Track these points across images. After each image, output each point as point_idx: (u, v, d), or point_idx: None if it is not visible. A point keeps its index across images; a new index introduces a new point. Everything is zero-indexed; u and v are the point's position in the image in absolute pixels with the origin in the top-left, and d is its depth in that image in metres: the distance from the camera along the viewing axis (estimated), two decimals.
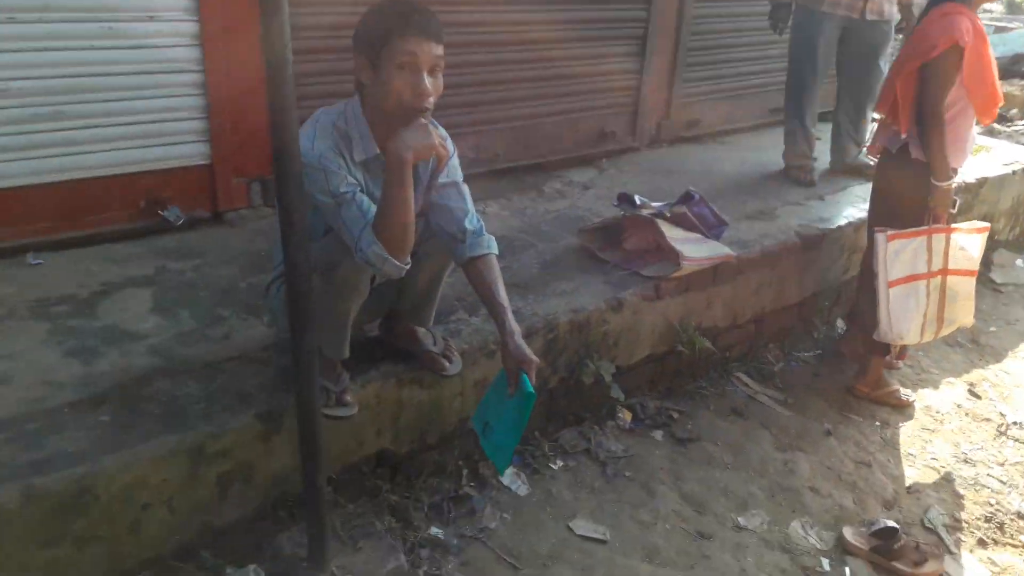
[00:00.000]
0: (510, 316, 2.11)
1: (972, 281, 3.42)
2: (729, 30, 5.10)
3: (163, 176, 3.19)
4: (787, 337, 3.91)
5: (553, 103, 4.33)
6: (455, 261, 2.23)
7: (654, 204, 3.40)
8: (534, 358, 2.05)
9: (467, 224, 2.17)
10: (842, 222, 3.97)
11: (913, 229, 3.25)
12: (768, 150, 5.03)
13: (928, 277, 3.30)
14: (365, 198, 2.01)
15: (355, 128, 2.05)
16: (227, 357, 2.48)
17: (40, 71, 2.79)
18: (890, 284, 3.25)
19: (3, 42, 2.70)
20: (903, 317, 3.28)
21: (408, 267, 2.01)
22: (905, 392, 3.63)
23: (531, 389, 2.01)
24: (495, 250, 2.21)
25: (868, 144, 4.16)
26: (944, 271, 3.33)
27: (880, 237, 3.24)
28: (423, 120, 1.92)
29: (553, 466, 2.89)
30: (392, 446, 2.57)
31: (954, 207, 3.30)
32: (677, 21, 4.74)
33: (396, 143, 1.89)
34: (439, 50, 1.95)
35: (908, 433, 3.47)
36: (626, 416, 3.18)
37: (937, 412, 3.63)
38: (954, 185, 3.25)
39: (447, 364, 2.47)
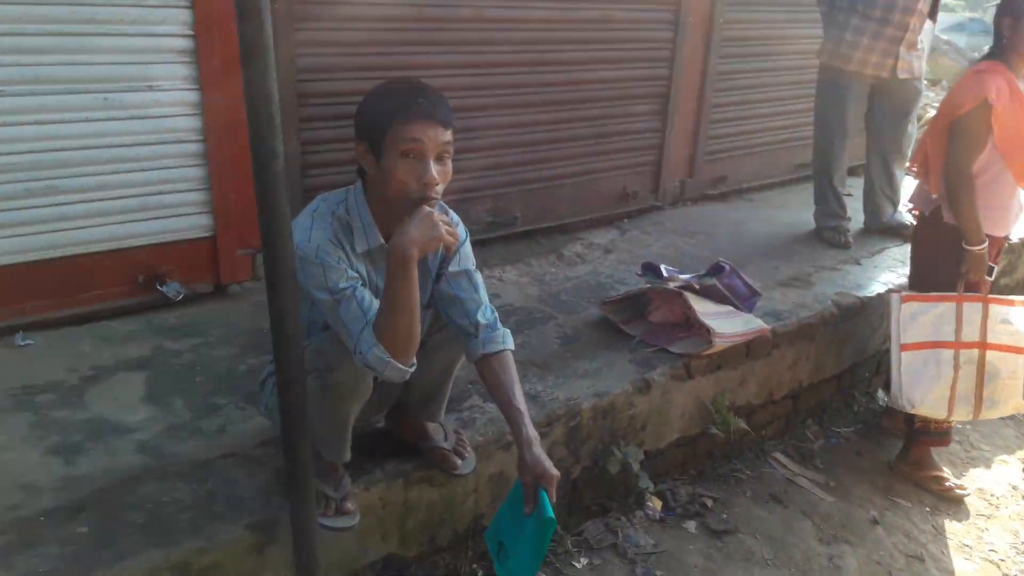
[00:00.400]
0: (527, 422, 1.90)
1: (1021, 360, 3.16)
2: (754, 85, 4.94)
3: (162, 250, 3.03)
4: (826, 412, 3.66)
5: (573, 164, 4.17)
6: (467, 357, 2.03)
7: (682, 276, 3.19)
8: (554, 472, 1.82)
9: (480, 317, 1.97)
10: (880, 288, 3.74)
11: (936, 294, 3.09)
12: (797, 208, 4.84)
13: (957, 347, 3.10)
14: (367, 294, 1.82)
15: (357, 216, 1.87)
16: (220, 454, 2.27)
17: (32, 144, 2.65)
18: (903, 347, 3.13)
19: None
20: (916, 384, 3.12)
21: (413, 369, 1.81)
22: (952, 482, 3.33)
23: (551, 513, 1.78)
24: (511, 345, 2.01)
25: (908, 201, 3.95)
26: (982, 344, 3.11)
27: (895, 298, 3.14)
28: (428, 208, 1.73)
29: (577, 564, 2.64)
30: (399, 550, 2.34)
31: (990, 274, 3.08)
32: (701, 78, 4.59)
33: (399, 238, 1.70)
34: (447, 135, 1.78)
35: (962, 520, 3.19)
36: (656, 505, 2.93)
37: (992, 495, 3.35)
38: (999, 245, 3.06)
39: (458, 462, 2.25)
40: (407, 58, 3.40)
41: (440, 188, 1.80)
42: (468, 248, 2.05)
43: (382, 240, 1.88)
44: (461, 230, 2.02)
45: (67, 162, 2.73)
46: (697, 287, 3.13)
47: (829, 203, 4.32)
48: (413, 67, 3.37)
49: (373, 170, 1.81)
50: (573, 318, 3.24)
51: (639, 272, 3.29)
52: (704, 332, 2.95)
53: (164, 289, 3.03)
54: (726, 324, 3.01)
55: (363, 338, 1.75)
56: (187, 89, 2.90)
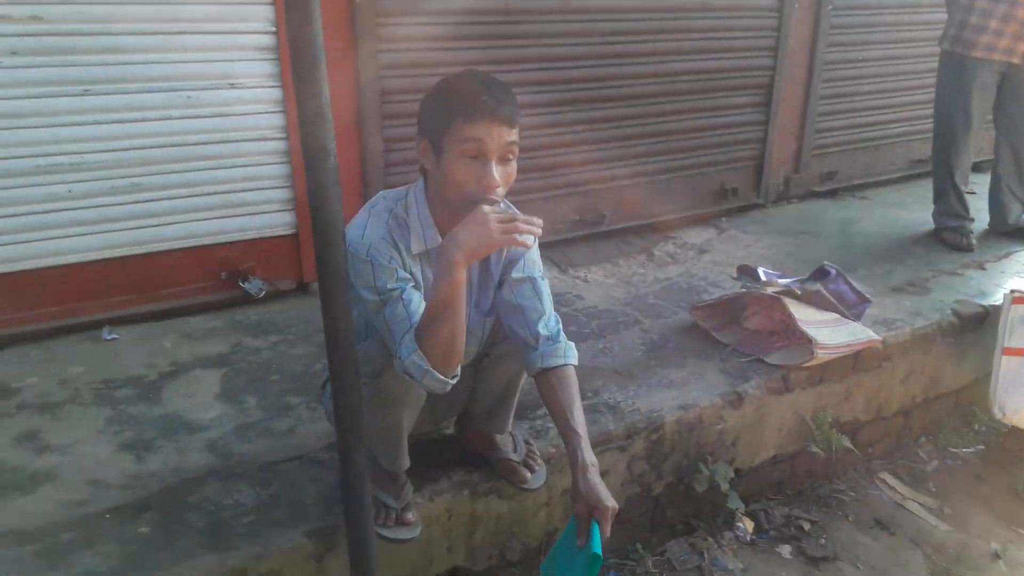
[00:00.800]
0: (585, 446, 1.74)
1: None
2: (865, 75, 4.60)
3: (245, 247, 3.03)
4: (942, 431, 3.32)
5: (666, 159, 3.97)
6: (526, 370, 1.89)
7: (782, 280, 2.95)
8: (610, 502, 1.66)
9: (541, 328, 1.84)
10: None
11: None
12: (913, 207, 4.48)
13: None
14: (416, 296, 1.71)
15: (416, 216, 1.77)
16: (287, 456, 2.22)
17: (116, 143, 2.69)
18: (1006, 351, 2.93)
19: (79, 115, 2.61)
20: (1013, 391, 2.94)
21: (454, 381, 1.69)
22: None
23: (598, 549, 1.61)
24: (573, 360, 1.86)
25: None
26: None
27: (1006, 297, 2.93)
28: (486, 208, 1.59)
29: None
30: (467, 563, 2.23)
31: None
32: (807, 68, 4.29)
33: (447, 240, 1.59)
34: (511, 135, 1.65)
35: None
36: (747, 526, 2.71)
37: None
38: None
39: (528, 475, 2.11)
40: (491, 52, 3.29)
41: (502, 191, 1.68)
42: (536, 255, 1.92)
43: (440, 242, 1.77)
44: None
45: (150, 160, 2.75)
46: (799, 293, 2.89)
47: (950, 201, 3.95)
48: (497, 61, 3.26)
49: (434, 169, 1.70)
50: (660, 323, 3.05)
51: (735, 275, 3.07)
52: (805, 342, 2.71)
53: (246, 286, 3.03)
54: (830, 334, 2.76)
55: (404, 343, 1.64)
56: (269, 86, 2.89)
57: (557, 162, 3.61)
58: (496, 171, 1.64)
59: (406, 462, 1.97)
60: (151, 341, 2.80)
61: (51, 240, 2.69)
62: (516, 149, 1.68)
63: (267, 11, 2.80)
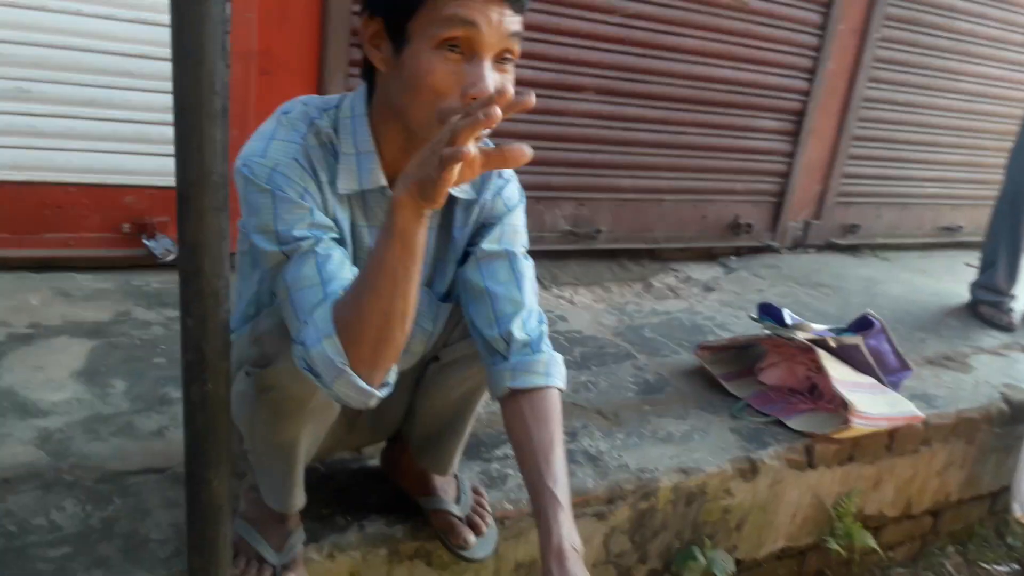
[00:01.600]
0: (565, 518, 1.13)
1: None
2: (905, 122, 4.12)
3: (159, 196, 2.42)
4: (972, 540, 2.77)
5: (677, 177, 3.43)
6: (488, 388, 1.28)
7: (815, 326, 2.39)
8: None
9: (515, 328, 1.24)
10: None
11: None
12: (942, 276, 4.01)
13: None
14: (337, 252, 1.10)
15: (350, 137, 1.15)
16: (142, 467, 1.61)
17: (2, 32, 2.07)
18: None
19: None
20: None
21: (383, 395, 1.08)
22: None
23: None
24: (559, 381, 1.27)
25: None
26: None
27: None
28: (455, 120, 0.99)
29: None
30: None
31: None
32: (845, 100, 3.81)
33: (402, 178, 0.97)
34: (516, 23, 1.06)
35: None
36: None
37: None
38: None
39: (471, 538, 1.49)
40: None
41: (498, 111, 1.07)
42: (520, 220, 1.33)
43: (384, 181, 1.17)
44: (513, 190, 1.32)
45: (46, 61, 2.13)
46: (833, 344, 2.33)
47: (997, 274, 3.44)
48: None
49: (389, 67, 1.09)
50: (657, 361, 2.48)
51: (754, 315, 2.51)
52: (838, 406, 2.15)
53: (151, 244, 2.41)
54: (869, 401, 2.21)
55: (312, 321, 1.03)
56: None
57: (551, 157, 3.05)
58: (490, 74, 1.05)
59: (299, 500, 1.35)
60: (15, 294, 2.18)
61: None
62: (518, 48, 1.09)
63: None
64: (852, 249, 4.21)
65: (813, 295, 3.38)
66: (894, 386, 2.43)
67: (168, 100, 2.25)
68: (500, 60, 1.07)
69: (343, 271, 1.09)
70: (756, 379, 2.40)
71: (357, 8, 1.84)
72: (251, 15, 2.34)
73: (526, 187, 3.07)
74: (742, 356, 2.48)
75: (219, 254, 0.98)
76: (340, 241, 1.15)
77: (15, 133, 2.17)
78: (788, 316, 2.49)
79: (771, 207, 3.80)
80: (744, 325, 2.84)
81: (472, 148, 0.89)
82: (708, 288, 3.28)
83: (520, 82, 2.94)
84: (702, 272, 3.49)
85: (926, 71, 4.05)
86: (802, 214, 3.95)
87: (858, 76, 3.77)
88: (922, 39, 3.95)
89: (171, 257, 2.42)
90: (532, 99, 0.94)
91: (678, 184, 3.44)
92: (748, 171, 3.63)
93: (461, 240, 1.31)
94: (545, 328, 1.30)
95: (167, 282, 2.42)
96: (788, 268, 3.73)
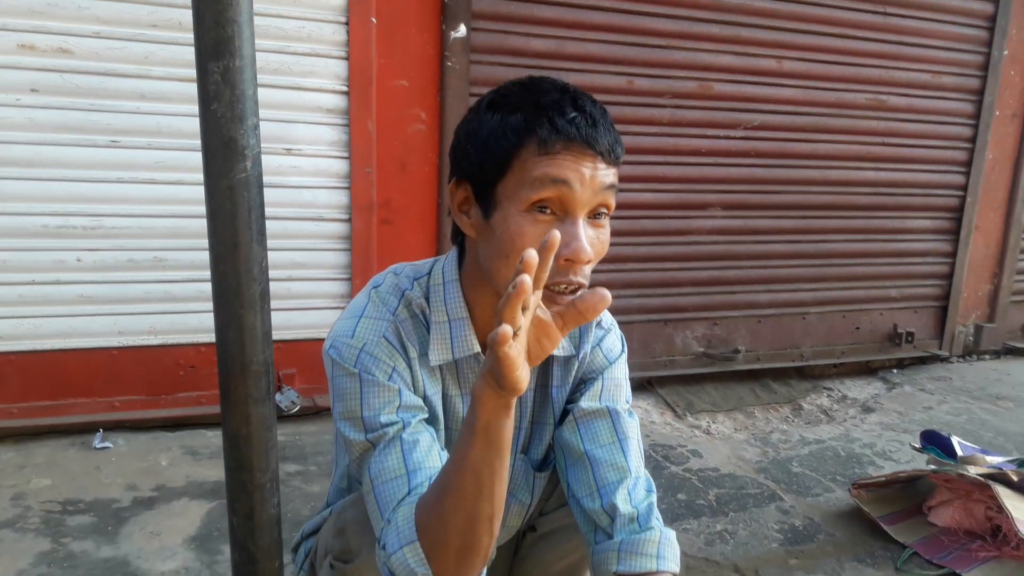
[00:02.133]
0: None
1: None
2: None
3: (285, 349, 2.49)
4: None
5: (822, 288, 3.20)
6: (592, 571, 1.15)
7: (990, 457, 2.09)
8: None
9: (619, 499, 1.11)
10: None
11: None
12: None
13: None
14: (426, 437, 1.03)
15: (441, 305, 1.10)
16: None
17: (142, 207, 2.27)
18: None
19: (101, 169, 2.23)
20: None
21: None
22: None
23: None
24: (673, 565, 1.11)
25: None
26: None
27: None
28: (561, 302, 0.92)
29: None
30: None
31: None
32: (1010, 190, 3.48)
33: (482, 367, 0.88)
34: (611, 176, 0.99)
35: None
36: None
37: None
38: None
39: None
40: None
41: (589, 270, 0.99)
42: (620, 372, 1.21)
43: (477, 347, 1.10)
44: (615, 339, 1.21)
45: (179, 231, 2.29)
46: (1015, 478, 2.01)
47: None
48: None
49: (479, 232, 1.04)
50: (807, 502, 2.22)
51: (917, 444, 2.23)
52: None
53: (277, 397, 2.46)
54: None
55: (396, 520, 0.96)
56: (333, 156, 2.42)
57: (680, 277, 2.93)
58: (585, 234, 0.97)
59: None
60: (147, 455, 2.26)
61: (51, 318, 2.25)
62: (613, 201, 1.01)
63: (339, 67, 2.36)
64: None
65: (992, 410, 2.98)
66: None
67: (291, 257, 2.35)
68: (595, 217, 0.99)
69: (430, 459, 1.01)
70: (925, 520, 2.10)
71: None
72: (370, 169, 2.43)
73: (652, 310, 3.00)
74: (907, 492, 2.19)
75: (264, 447, 0.95)
76: (431, 420, 1.09)
77: (153, 300, 2.32)
78: (957, 444, 2.19)
79: (935, 312, 3.45)
80: (909, 453, 2.53)
81: (510, 327, 0.79)
82: (866, 408, 2.98)
83: (640, 205, 2.88)
84: (859, 389, 3.18)
85: None
86: (972, 317, 3.56)
87: (1023, 163, 3.43)
88: None
89: (296, 409, 2.47)
90: (607, 298, 0.85)
91: (823, 295, 3.20)
92: (904, 275, 3.33)
93: (559, 399, 1.21)
94: (654, 498, 1.16)
95: (291, 434, 2.45)
96: (960, 379, 3.34)
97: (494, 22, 2.51)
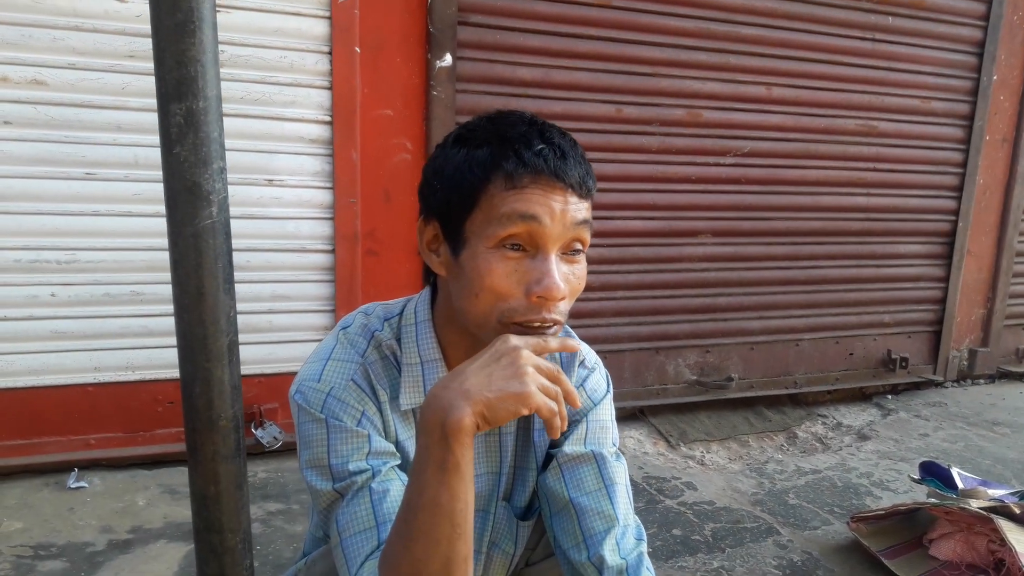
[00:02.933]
0: None
1: None
2: None
3: (266, 384, 2.44)
4: None
5: (815, 314, 3.16)
6: None
7: (992, 490, 2.04)
8: None
9: (606, 550, 1.05)
10: None
11: None
12: None
13: None
14: (395, 485, 0.98)
15: (413, 346, 1.05)
16: None
17: (118, 241, 2.22)
18: None
19: (76, 202, 2.18)
20: None
21: None
22: None
23: None
24: None
25: None
26: None
27: None
28: (515, 340, 0.89)
29: None
30: None
31: None
32: (1001, 214, 3.46)
33: (439, 390, 0.86)
34: (583, 210, 0.94)
35: None
36: None
37: None
38: None
39: None
40: (599, 167, 2.67)
41: (565, 307, 0.95)
42: (606, 414, 1.16)
43: None
44: (599, 380, 1.16)
45: (157, 264, 2.24)
46: (1017, 511, 1.96)
47: None
48: (606, 178, 2.65)
49: (447, 270, 0.99)
50: (804, 536, 2.17)
51: (916, 476, 2.18)
52: None
53: (258, 433, 2.40)
54: None
55: (364, 572, 0.91)
56: (316, 186, 2.37)
57: (671, 305, 2.89)
58: (558, 271, 0.92)
59: None
60: (124, 495, 2.19)
61: (24, 355, 2.19)
62: (588, 236, 0.96)
63: (322, 96, 2.32)
64: None
65: (989, 436, 2.94)
66: None
67: (272, 289, 2.30)
68: (568, 253, 0.95)
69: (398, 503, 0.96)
70: (926, 553, 2.05)
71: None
72: (355, 200, 2.39)
73: (644, 338, 2.95)
74: (907, 525, 2.14)
75: (235, 507, 0.89)
76: (403, 467, 1.04)
77: (130, 335, 2.26)
78: (957, 476, 2.15)
79: (929, 337, 3.42)
80: (907, 483, 2.48)
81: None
82: (862, 436, 2.93)
83: (630, 232, 2.85)
84: (854, 416, 3.14)
85: None
86: (966, 342, 3.53)
87: (1014, 187, 3.42)
88: None
89: (278, 445, 2.40)
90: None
91: (816, 321, 3.16)
92: (897, 300, 3.30)
93: (542, 443, 1.15)
94: (644, 547, 1.10)
95: (273, 471, 2.38)
96: (955, 405, 3.29)
97: (480, 51, 2.49)
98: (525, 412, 0.86)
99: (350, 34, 2.30)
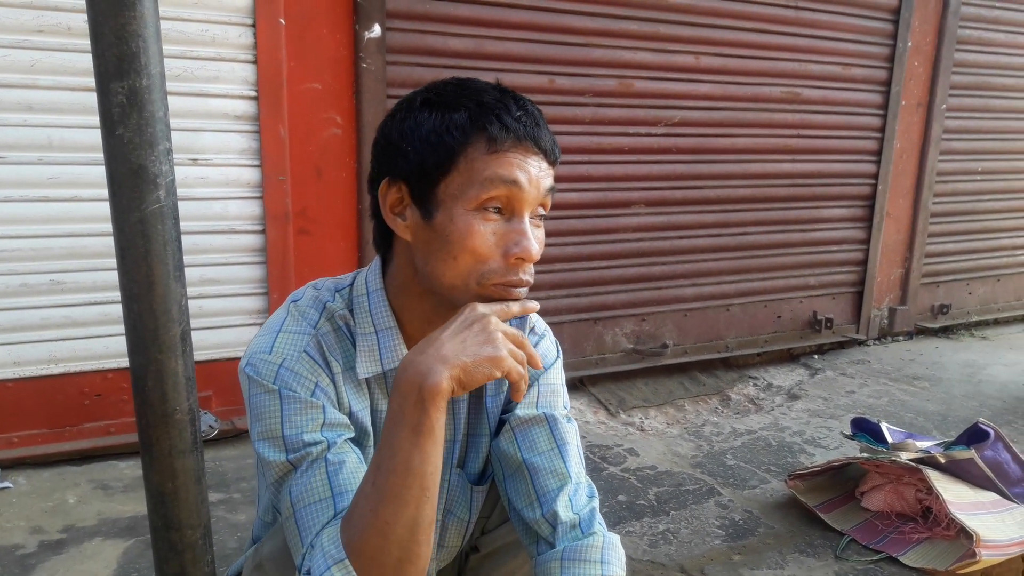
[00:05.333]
0: None
1: None
2: (986, 191, 3.86)
3: (199, 371, 2.34)
4: None
5: (745, 279, 3.24)
6: None
7: (919, 442, 2.14)
8: None
9: (560, 507, 1.07)
10: None
11: None
12: None
13: None
14: (352, 458, 0.97)
15: (367, 316, 1.04)
16: None
17: (36, 227, 2.11)
18: None
19: None
20: None
21: None
22: None
23: None
24: (619, 570, 1.08)
25: None
26: None
27: None
28: (487, 307, 0.92)
29: None
30: None
31: None
32: (917, 177, 3.60)
33: (416, 356, 0.88)
34: (551, 176, 0.98)
35: None
36: None
37: None
38: None
39: None
40: None
41: (532, 269, 0.98)
42: (558, 378, 1.17)
43: None
44: (549, 345, 1.18)
45: (78, 251, 2.13)
46: (943, 461, 2.06)
47: None
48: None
49: (415, 234, 0.98)
50: (744, 495, 2.24)
51: (848, 432, 2.27)
52: (957, 534, 1.88)
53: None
54: (995, 524, 1.92)
55: (320, 543, 0.89)
56: (244, 164, 2.29)
57: (608, 276, 2.91)
58: (532, 232, 0.96)
59: None
60: (53, 493, 2.10)
61: None
62: (550, 202, 1.00)
63: (247, 71, 2.24)
64: (945, 331, 3.89)
65: (910, 391, 3.08)
66: (1021, 497, 2.12)
67: (201, 273, 2.22)
68: (535, 218, 0.98)
69: (357, 480, 0.95)
70: (859, 505, 2.14)
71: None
72: (284, 177, 2.32)
73: (582, 309, 2.97)
74: (840, 479, 2.23)
75: (194, 501, 0.87)
76: (357, 438, 1.02)
77: (51, 326, 2.16)
78: (887, 430, 2.24)
79: (852, 298, 3.55)
80: (838, 439, 2.58)
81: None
82: (792, 396, 3.03)
83: (565, 205, 2.85)
84: (783, 377, 3.24)
85: (1002, 135, 3.80)
86: (886, 301, 3.68)
87: (928, 151, 3.55)
88: (993, 103, 3.73)
89: (214, 434, 2.34)
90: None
91: (746, 286, 3.24)
92: (821, 263, 3.41)
93: (494, 409, 1.15)
94: (596, 503, 1.12)
95: (210, 460, 2.31)
96: (878, 362, 3.44)
97: (410, 21, 2.43)
98: (498, 375, 0.89)
99: (274, 5, 2.22)
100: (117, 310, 2.15)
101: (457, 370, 0.86)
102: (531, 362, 0.92)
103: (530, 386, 1.14)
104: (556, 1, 2.62)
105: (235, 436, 2.42)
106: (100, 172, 2.08)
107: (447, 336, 0.89)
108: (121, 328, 2.11)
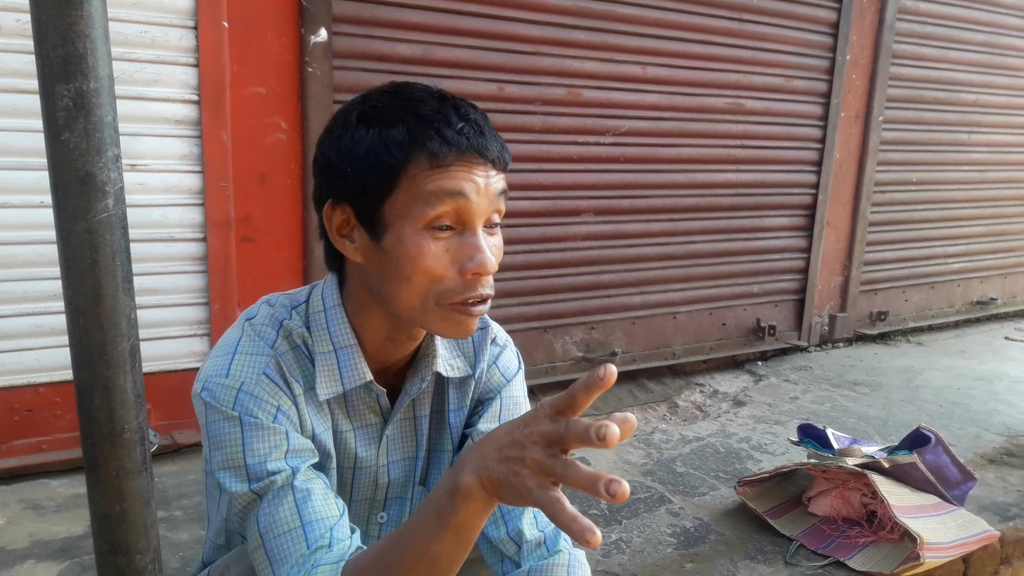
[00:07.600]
0: None
1: None
2: (921, 200, 3.98)
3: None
4: None
5: (690, 288, 3.27)
6: None
7: (864, 447, 2.18)
8: None
9: (525, 523, 1.06)
10: None
11: None
12: (982, 356, 3.78)
13: None
14: (317, 484, 0.94)
15: (326, 335, 1.01)
16: None
17: None
18: None
19: None
20: None
21: None
22: None
23: None
24: None
25: None
26: None
27: None
28: (474, 314, 0.93)
29: None
30: None
31: None
32: (856, 187, 3.69)
33: (472, 460, 0.76)
34: (501, 181, 0.95)
35: None
36: None
37: None
38: None
39: None
40: None
41: (492, 280, 0.94)
42: (519, 390, 1.16)
43: (369, 376, 1.01)
44: (509, 357, 1.16)
45: (6, 260, 2.03)
46: (887, 465, 2.10)
47: None
48: None
49: (365, 255, 0.95)
50: (695, 503, 2.25)
51: (795, 438, 2.30)
52: (901, 537, 1.92)
53: None
54: (937, 527, 1.97)
55: None
56: (184, 170, 2.22)
57: (557, 284, 2.91)
58: (487, 245, 0.92)
59: None
60: None
61: None
62: (504, 207, 0.96)
63: (188, 74, 2.17)
64: (883, 337, 4.00)
65: (851, 396, 3.15)
66: (960, 500, 2.18)
67: (139, 282, 2.15)
68: (490, 226, 0.94)
69: (327, 508, 0.91)
70: (806, 511, 2.17)
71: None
72: (226, 183, 2.26)
73: (532, 318, 2.96)
74: (787, 485, 2.26)
75: (143, 524, 0.82)
76: (320, 463, 0.99)
77: None
78: (832, 437, 2.28)
79: (793, 305, 3.62)
80: (784, 445, 2.62)
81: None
82: (738, 402, 3.07)
83: (515, 213, 2.83)
84: (729, 383, 3.28)
85: (936, 147, 3.93)
86: (826, 308, 3.76)
87: (866, 162, 3.65)
88: (927, 116, 3.85)
89: (154, 449, 2.25)
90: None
91: (692, 294, 3.28)
92: (764, 271, 3.46)
93: (457, 424, 1.13)
94: None
95: (155, 477, 2.25)
96: (819, 368, 3.51)
97: (357, 26, 2.39)
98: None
99: (217, 8, 2.16)
100: (50, 321, 2.07)
101: (491, 474, 0.73)
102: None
103: (492, 400, 1.13)
104: (505, 9, 2.61)
105: (175, 451, 2.34)
106: (31, 177, 2.00)
107: (492, 445, 0.75)
108: (55, 340, 2.04)
